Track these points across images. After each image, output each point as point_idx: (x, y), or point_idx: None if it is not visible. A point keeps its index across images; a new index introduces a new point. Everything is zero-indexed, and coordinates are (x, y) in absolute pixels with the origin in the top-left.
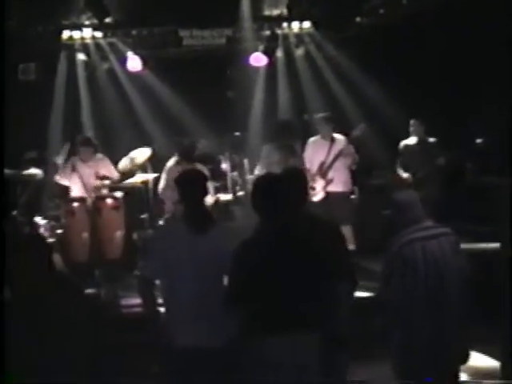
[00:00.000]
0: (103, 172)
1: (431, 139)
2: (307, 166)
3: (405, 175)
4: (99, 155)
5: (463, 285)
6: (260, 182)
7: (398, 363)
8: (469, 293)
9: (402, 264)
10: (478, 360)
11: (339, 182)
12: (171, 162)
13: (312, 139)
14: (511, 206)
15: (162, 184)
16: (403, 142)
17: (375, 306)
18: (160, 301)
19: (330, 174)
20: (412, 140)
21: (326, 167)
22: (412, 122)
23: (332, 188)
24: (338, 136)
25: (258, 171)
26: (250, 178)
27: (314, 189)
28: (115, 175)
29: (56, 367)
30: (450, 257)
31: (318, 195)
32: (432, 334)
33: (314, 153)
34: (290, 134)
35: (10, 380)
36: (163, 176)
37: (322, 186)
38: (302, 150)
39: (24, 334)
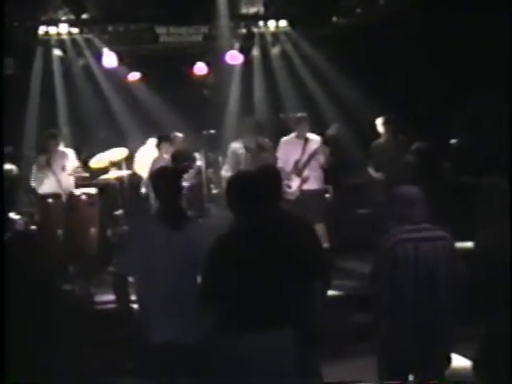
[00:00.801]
0: (68, 167)
1: (401, 137)
2: (281, 164)
3: (376, 175)
4: (65, 149)
5: (455, 290)
6: (234, 179)
7: (383, 359)
8: (460, 298)
9: (392, 262)
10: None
11: (314, 180)
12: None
13: (285, 138)
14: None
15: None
16: (374, 142)
17: (362, 300)
18: (133, 298)
19: (306, 173)
20: (382, 139)
21: (302, 166)
22: (380, 120)
23: (307, 186)
24: (311, 135)
25: (224, 170)
26: (223, 175)
27: (289, 187)
28: (79, 167)
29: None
30: (444, 261)
31: (293, 193)
32: (418, 334)
33: (289, 151)
34: (256, 132)
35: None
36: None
37: (297, 184)
38: (274, 148)
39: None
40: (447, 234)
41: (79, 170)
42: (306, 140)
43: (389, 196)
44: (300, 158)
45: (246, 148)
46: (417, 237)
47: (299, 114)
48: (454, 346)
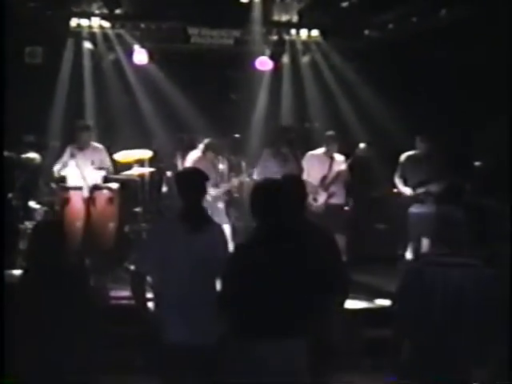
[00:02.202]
0: (98, 161)
1: (434, 155)
2: (305, 176)
3: (404, 189)
4: (96, 144)
5: (481, 319)
6: (260, 186)
7: (403, 377)
8: (487, 327)
9: (419, 284)
10: None
11: (338, 195)
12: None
13: (313, 153)
14: None
15: None
16: (405, 154)
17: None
18: (150, 296)
19: (332, 188)
20: (415, 153)
21: (329, 182)
22: (417, 138)
23: (332, 200)
24: (337, 155)
25: (255, 175)
26: (247, 180)
27: (316, 200)
28: (109, 166)
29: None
30: (473, 290)
31: (319, 206)
32: (439, 360)
33: (315, 166)
34: (289, 141)
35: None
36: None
37: (324, 199)
38: (301, 157)
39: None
40: (478, 262)
41: (108, 164)
42: (332, 158)
43: (437, 216)
44: (327, 174)
45: (276, 156)
46: (448, 261)
47: (331, 133)
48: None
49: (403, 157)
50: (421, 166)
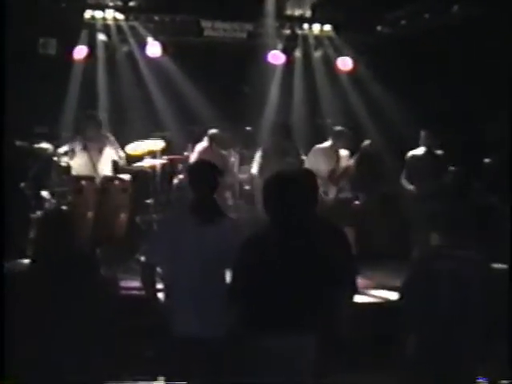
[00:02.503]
0: (108, 151)
1: (439, 152)
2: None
3: (409, 187)
4: (106, 133)
5: (487, 312)
6: (272, 180)
7: (409, 372)
8: (493, 321)
9: (425, 279)
10: None
11: (347, 189)
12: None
13: (319, 146)
14: None
15: None
16: (410, 153)
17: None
18: (160, 287)
19: (342, 183)
20: (419, 151)
21: (338, 176)
22: (422, 133)
23: (343, 195)
24: (342, 150)
25: (253, 170)
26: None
27: (326, 194)
28: (121, 156)
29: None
30: (478, 284)
31: (330, 200)
32: (444, 354)
33: (321, 160)
34: (286, 135)
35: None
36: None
37: (334, 193)
38: (303, 151)
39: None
40: (483, 257)
41: (119, 154)
42: (337, 152)
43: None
44: (335, 167)
45: (273, 151)
46: (453, 255)
47: (339, 128)
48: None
49: (408, 156)
50: (426, 164)
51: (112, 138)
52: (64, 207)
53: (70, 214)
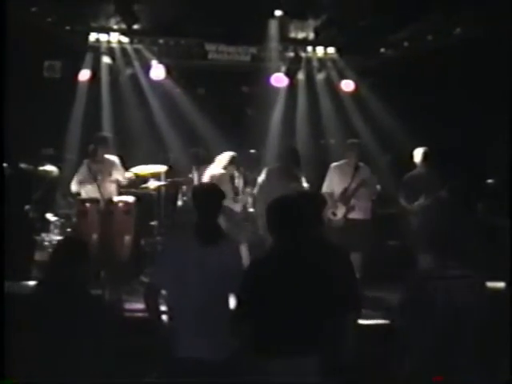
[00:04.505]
0: (114, 174)
1: (437, 172)
2: (329, 190)
3: (408, 206)
4: (112, 156)
5: (481, 330)
6: (275, 203)
7: None
8: (486, 339)
9: (421, 298)
10: None
11: (360, 209)
12: None
13: (336, 164)
14: None
15: None
16: (407, 174)
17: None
18: (164, 309)
19: (352, 201)
20: (416, 171)
21: (349, 194)
22: (419, 152)
23: (353, 215)
24: (362, 164)
25: (257, 191)
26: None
27: (335, 214)
28: (125, 178)
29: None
30: (473, 302)
31: (338, 221)
32: (442, 372)
33: (338, 178)
34: (293, 160)
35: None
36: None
37: (343, 213)
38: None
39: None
40: (477, 275)
41: (128, 179)
42: (357, 168)
43: (430, 229)
44: (348, 186)
45: (278, 175)
46: (450, 274)
47: (351, 140)
48: None
49: (406, 178)
50: (425, 183)
51: (117, 161)
52: (70, 230)
53: (85, 243)
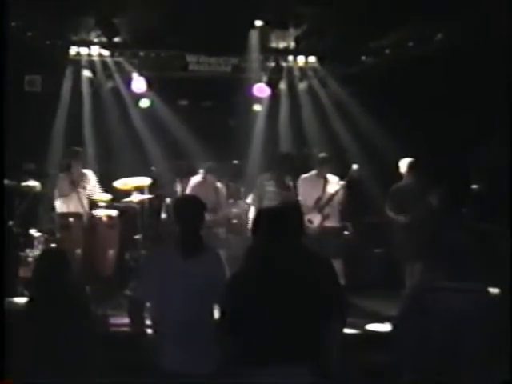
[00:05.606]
0: (88, 188)
1: (423, 181)
2: (301, 200)
3: (396, 217)
4: (87, 170)
5: (484, 344)
6: (262, 214)
7: None
8: (489, 353)
9: (420, 310)
10: None
11: (333, 217)
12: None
13: (306, 176)
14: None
15: None
16: (394, 185)
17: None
18: (148, 323)
19: (327, 210)
20: (403, 182)
21: (324, 203)
22: (405, 162)
23: (327, 223)
24: (330, 176)
25: (250, 200)
26: (245, 207)
27: (311, 222)
28: (98, 193)
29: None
30: (475, 315)
31: (315, 229)
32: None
33: (310, 189)
34: (291, 168)
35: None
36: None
37: (319, 221)
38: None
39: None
40: (484, 288)
41: (98, 191)
42: (326, 179)
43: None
44: (321, 195)
45: (276, 185)
46: (449, 286)
47: (323, 155)
48: None
49: (393, 189)
50: (412, 193)
51: (91, 173)
52: (53, 245)
53: (66, 254)
